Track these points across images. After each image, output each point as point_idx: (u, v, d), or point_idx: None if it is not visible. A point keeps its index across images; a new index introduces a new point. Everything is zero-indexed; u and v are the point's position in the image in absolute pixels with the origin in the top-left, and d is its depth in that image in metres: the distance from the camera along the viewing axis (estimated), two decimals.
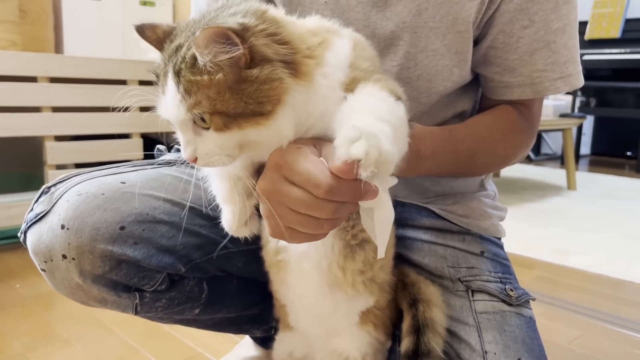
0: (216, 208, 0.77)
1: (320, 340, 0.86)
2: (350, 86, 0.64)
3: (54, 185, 0.82)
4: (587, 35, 5.03)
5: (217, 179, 0.71)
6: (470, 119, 0.94)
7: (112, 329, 1.59)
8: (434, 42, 0.86)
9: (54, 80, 2.25)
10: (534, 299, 0.93)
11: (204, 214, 0.86)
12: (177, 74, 0.56)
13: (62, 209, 0.77)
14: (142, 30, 0.61)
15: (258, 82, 0.55)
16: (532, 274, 2.18)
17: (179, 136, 0.61)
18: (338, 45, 0.66)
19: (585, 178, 4.41)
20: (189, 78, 0.55)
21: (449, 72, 0.89)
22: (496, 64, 0.90)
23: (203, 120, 0.57)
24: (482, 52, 0.90)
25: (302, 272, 0.79)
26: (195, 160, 0.60)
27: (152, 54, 0.62)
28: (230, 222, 0.71)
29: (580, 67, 0.92)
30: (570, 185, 3.95)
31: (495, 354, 0.82)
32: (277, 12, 0.63)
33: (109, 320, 1.63)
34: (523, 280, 0.95)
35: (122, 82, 2.45)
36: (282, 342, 0.92)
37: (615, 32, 4.91)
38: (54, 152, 2.25)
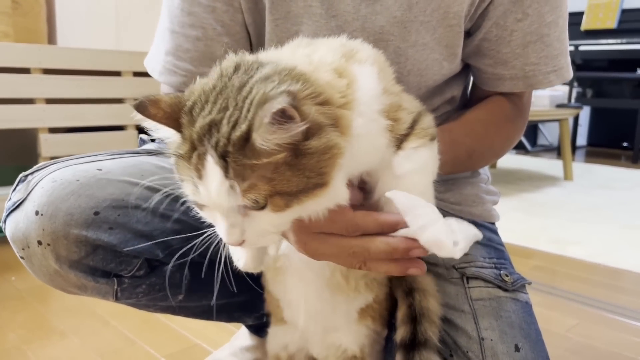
0: None
1: (317, 334, 0.86)
2: (390, 113, 0.61)
3: (31, 173, 0.82)
4: (584, 26, 5.02)
5: None
6: (465, 114, 0.93)
7: (108, 320, 1.58)
8: (423, 37, 0.85)
9: (47, 71, 2.23)
10: (529, 283, 0.93)
11: (183, 200, 0.86)
12: (223, 157, 0.49)
13: (37, 195, 0.77)
14: (144, 108, 0.52)
15: (318, 153, 0.51)
16: (530, 263, 2.18)
17: (214, 219, 0.55)
18: (364, 76, 0.61)
19: (582, 169, 4.42)
20: (241, 162, 0.48)
21: (439, 66, 0.88)
22: (489, 56, 0.89)
23: (256, 201, 0.51)
24: (475, 44, 0.90)
25: (302, 278, 0.78)
26: (241, 243, 0.55)
27: (163, 131, 0.53)
28: (248, 263, 0.69)
29: (569, 59, 0.92)
30: (567, 175, 3.95)
31: (492, 340, 0.81)
32: (295, 59, 0.58)
33: (105, 313, 1.62)
34: (520, 270, 0.94)
35: (116, 74, 2.43)
36: (276, 335, 0.91)
37: (612, 23, 4.90)
38: (48, 145, 2.24)
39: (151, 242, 0.82)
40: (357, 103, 0.57)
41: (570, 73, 0.92)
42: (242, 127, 0.48)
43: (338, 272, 0.75)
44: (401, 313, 0.81)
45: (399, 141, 0.63)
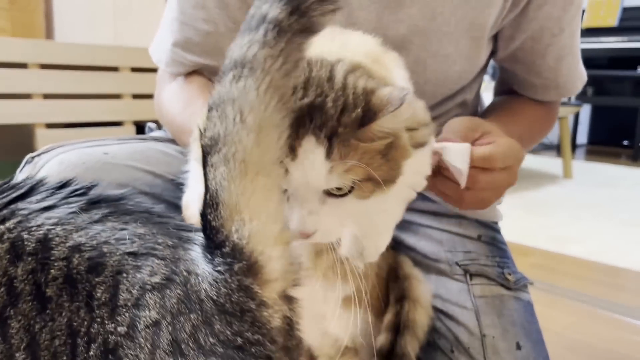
0: None
1: (309, 323, 0.85)
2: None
3: (38, 155, 0.82)
4: (585, 24, 5.01)
5: None
6: (514, 105, 0.96)
7: None
8: (446, 47, 0.84)
9: (44, 66, 2.22)
10: (531, 283, 0.93)
11: None
12: (329, 137, 0.50)
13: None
14: None
15: (401, 149, 0.54)
16: (528, 261, 2.18)
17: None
18: (399, 79, 0.64)
19: (582, 167, 4.41)
20: (349, 143, 0.50)
21: (458, 77, 0.89)
22: (523, 62, 0.91)
23: (350, 183, 0.52)
24: (510, 52, 0.91)
25: None
26: (309, 235, 0.53)
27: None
28: None
29: (581, 60, 0.96)
30: (567, 173, 3.94)
31: (493, 337, 0.81)
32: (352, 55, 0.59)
33: None
34: (519, 268, 0.95)
35: (114, 69, 2.42)
36: None
37: (613, 21, 4.89)
38: (44, 140, 2.23)
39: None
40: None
41: (585, 74, 0.96)
42: (357, 111, 0.50)
43: (305, 258, 0.72)
44: (387, 319, 0.80)
45: None
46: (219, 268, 0.46)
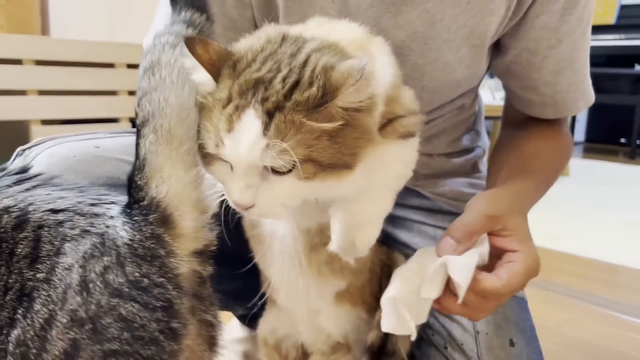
0: None
1: (303, 317, 0.85)
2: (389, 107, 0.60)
3: (29, 148, 0.82)
4: None
5: None
6: (529, 148, 0.89)
7: None
8: (445, 55, 0.82)
9: (40, 62, 2.21)
10: None
11: None
12: (269, 112, 0.49)
13: (34, 170, 0.77)
14: (192, 45, 0.53)
15: (360, 132, 0.52)
16: None
17: (223, 176, 0.54)
18: (384, 65, 0.62)
19: (579, 165, 4.41)
20: (292, 120, 0.48)
21: (457, 85, 0.86)
22: (518, 78, 0.87)
23: (287, 164, 0.51)
24: (505, 64, 0.87)
25: (276, 252, 0.76)
26: (247, 208, 0.54)
27: (199, 74, 0.54)
28: None
29: (590, 82, 0.91)
30: (564, 171, 3.93)
31: (487, 334, 0.81)
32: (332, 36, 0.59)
33: None
34: None
35: (110, 65, 2.42)
36: (267, 319, 0.91)
37: (610, 18, 4.89)
38: (40, 136, 2.20)
39: None
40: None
41: (593, 96, 0.90)
42: (313, 90, 0.49)
43: (302, 254, 0.72)
44: (378, 316, 0.80)
45: None
46: (135, 218, 0.53)
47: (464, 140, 1.02)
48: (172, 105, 0.53)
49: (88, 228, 0.53)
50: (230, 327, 1.28)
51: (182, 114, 0.54)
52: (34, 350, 0.50)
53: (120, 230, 0.52)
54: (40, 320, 0.50)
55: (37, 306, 0.50)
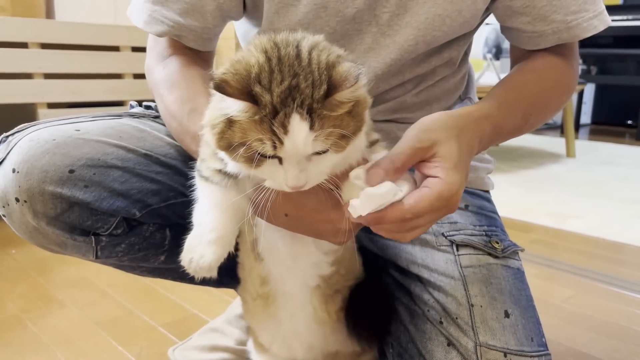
0: (177, 158, 0.84)
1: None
2: None
3: (12, 134, 0.83)
4: None
5: (214, 208, 0.71)
6: (514, 77, 0.89)
7: (106, 291, 1.59)
8: None
9: (45, 46, 2.22)
10: (522, 250, 0.92)
11: (162, 161, 0.87)
12: (309, 112, 0.58)
13: (14, 154, 0.79)
14: (223, 88, 0.58)
15: (362, 103, 0.63)
16: (528, 237, 2.18)
17: (274, 172, 0.62)
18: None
19: (585, 146, 4.40)
20: (323, 115, 0.59)
21: (440, 22, 0.86)
22: (525, 13, 0.86)
23: (329, 146, 0.61)
24: (506, 4, 0.87)
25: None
26: (301, 187, 0.63)
27: (230, 108, 0.60)
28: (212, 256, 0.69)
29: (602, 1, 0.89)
30: (570, 152, 3.93)
31: (481, 306, 0.81)
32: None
33: (104, 284, 1.64)
34: (520, 244, 0.94)
35: (115, 49, 2.42)
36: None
37: None
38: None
39: (128, 201, 0.83)
40: None
41: (608, 17, 0.88)
42: (324, 87, 0.59)
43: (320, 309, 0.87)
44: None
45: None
46: None
47: (455, 108, 1.02)
48: None
49: None
50: (235, 304, 1.30)
51: None
52: None
53: None
54: None
55: None
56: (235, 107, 0.59)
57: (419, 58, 0.91)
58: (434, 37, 0.88)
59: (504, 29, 0.95)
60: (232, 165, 0.67)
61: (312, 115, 0.58)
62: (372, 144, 0.73)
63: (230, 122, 0.60)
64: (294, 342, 0.91)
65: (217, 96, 0.61)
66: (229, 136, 0.60)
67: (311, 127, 0.58)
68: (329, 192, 0.68)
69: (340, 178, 0.67)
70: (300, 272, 0.83)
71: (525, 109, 0.86)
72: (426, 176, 0.67)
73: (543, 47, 0.90)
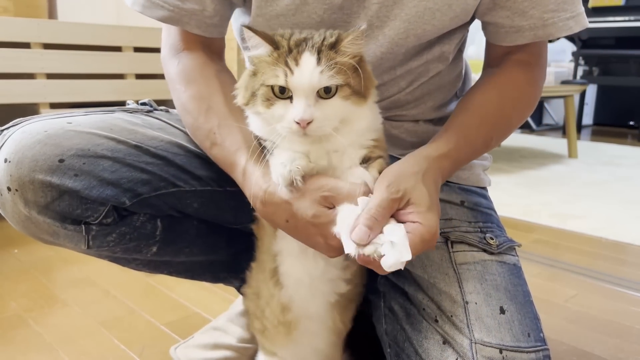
0: (168, 149, 0.88)
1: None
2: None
3: (7, 128, 0.85)
4: (591, 3, 4.95)
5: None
6: (475, 98, 0.90)
7: (109, 290, 1.59)
8: None
9: (47, 46, 2.22)
10: (519, 245, 0.92)
11: (152, 152, 0.87)
12: (318, 52, 0.70)
13: (7, 145, 0.81)
14: (253, 29, 0.71)
15: (366, 72, 0.74)
16: (531, 237, 2.18)
17: (286, 108, 0.70)
18: None
19: (587, 147, 4.39)
20: (331, 56, 0.70)
21: (430, 15, 0.86)
22: (506, 7, 0.87)
23: (328, 91, 0.70)
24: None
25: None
26: (308, 124, 0.69)
27: (257, 50, 0.73)
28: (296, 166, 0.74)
29: (582, 4, 0.90)
30: (572, 153, 3.93)
31: (476, 303, 0.80)
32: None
33: (106, 283, 1.64)
34: (522, 243, 0.93)
35: (117, 49, 2.42)
36: None
37: (619, 0, 4.84)
38: None
39: (118, 190, 0.84)
40: None
41: (586, 19, 0.90)
42: (332, 39, 0.71)
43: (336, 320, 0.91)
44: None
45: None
46: None
47: (450, 106, 1.02)
48: None
49: None
50: (236, 302, 1.30)
51: None
52: None
53: None
54: None
55: None
56: (260, 50, 0.72)
57: (410, 53, 0.91)
58: (425, 31, 0.87)
59: (483, 25, 0.95)
60: (255, 123, 0.77)
61: (320, 54, 0.69)
62: (375, 159, 0.77)
63: (253, 73, 0.73)
64: (311, 358, 0.95)
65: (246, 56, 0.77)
66: (252, 84, 0.73)
67: (318, 62, 0.69)
68: (327, 209, 0.72)
69: (337, 200, 0.72)
70: (320, 292, 0.86)
71: (486, 132, 0.88)
72: (404, 222, 0.70)
73: (520, 43, 0.90)
